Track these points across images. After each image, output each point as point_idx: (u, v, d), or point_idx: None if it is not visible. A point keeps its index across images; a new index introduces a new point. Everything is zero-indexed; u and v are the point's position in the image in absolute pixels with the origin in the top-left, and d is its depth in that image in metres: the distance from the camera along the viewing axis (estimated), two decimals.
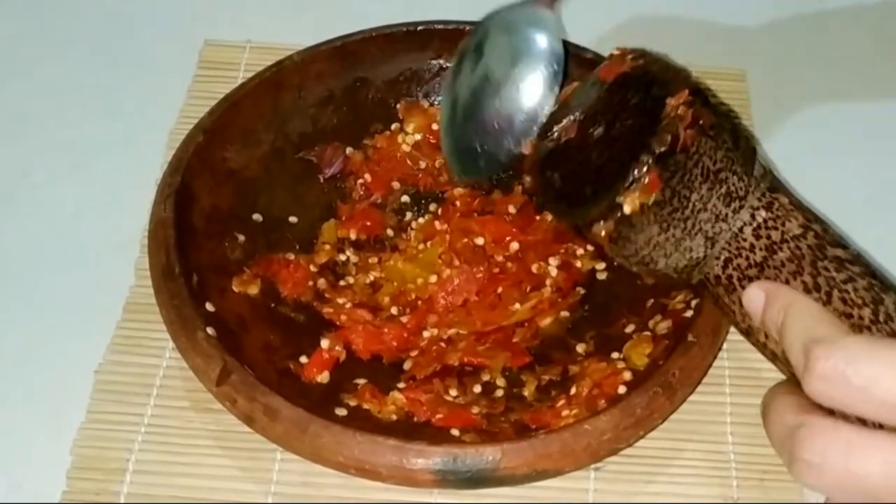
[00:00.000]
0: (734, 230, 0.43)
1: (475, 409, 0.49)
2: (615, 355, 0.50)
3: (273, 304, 0.53)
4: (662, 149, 0.42)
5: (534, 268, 0.55)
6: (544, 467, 0.44)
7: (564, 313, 0.54)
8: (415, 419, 0.49)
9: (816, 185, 0.60)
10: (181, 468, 0.49)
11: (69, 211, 0.59)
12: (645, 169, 0.42)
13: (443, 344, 0.53)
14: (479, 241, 0.56)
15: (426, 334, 0.53)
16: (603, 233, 0.45)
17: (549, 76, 0.50)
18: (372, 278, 0.56)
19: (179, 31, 0.68)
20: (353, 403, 0.49)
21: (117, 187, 0.60)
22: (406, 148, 0.60)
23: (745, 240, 0.43)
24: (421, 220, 0.58)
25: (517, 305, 0.54)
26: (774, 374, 0.52)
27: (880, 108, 0.65)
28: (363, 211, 0.58)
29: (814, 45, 0.69)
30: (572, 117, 0.48)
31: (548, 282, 0.55)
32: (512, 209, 0.57)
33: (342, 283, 0.55)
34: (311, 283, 0.54)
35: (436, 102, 0.60)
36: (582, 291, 0.55)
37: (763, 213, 0.43)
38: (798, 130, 0.63)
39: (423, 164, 0.60)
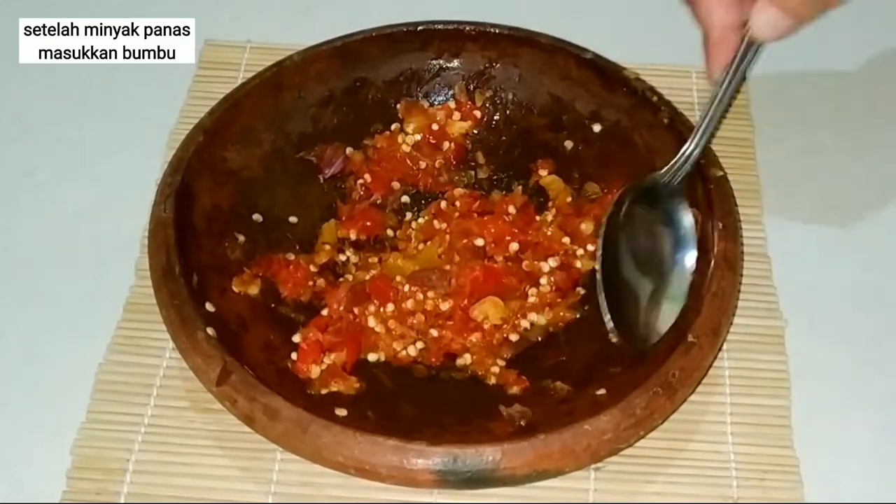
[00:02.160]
0: None
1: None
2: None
3: (273, 304, 0.53)
4: None
5: (533, 268, 0.55)
6: (544, 467, 0.44)
7: (564, 313, 0.54)
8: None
9: (816, 185, 0.61)
10: (181, 468, 0.49)
11: (69, 211, 0.59)
12: None
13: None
14: (479, 241, 0.56)
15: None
16: None
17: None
18: None
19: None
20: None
21: (117, 187, 0.60)
22: (406, 148, 0.60)
23: None
24: (421, 220, 0.58)
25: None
26: (774, 375, 0.52)
27: (880, 108, 0.65)
28: (363, 211, 0.58)
29: (814, 45, 0.68)
30: None
31: (546, 280, 0.55)
32: (512, 209, 0.57)
33: (342, 282, 0.55)
34: (311, 283, 0.54)
35: (436, 102, 0.61)
36: (582, 291, 0.55)
37: None
38: (798, 130, 0.63)
39: (423, 164, 0.60)
